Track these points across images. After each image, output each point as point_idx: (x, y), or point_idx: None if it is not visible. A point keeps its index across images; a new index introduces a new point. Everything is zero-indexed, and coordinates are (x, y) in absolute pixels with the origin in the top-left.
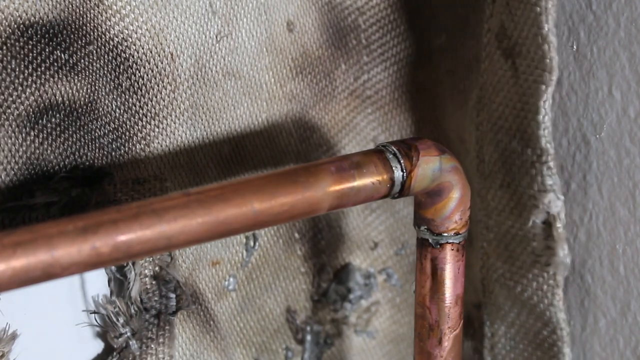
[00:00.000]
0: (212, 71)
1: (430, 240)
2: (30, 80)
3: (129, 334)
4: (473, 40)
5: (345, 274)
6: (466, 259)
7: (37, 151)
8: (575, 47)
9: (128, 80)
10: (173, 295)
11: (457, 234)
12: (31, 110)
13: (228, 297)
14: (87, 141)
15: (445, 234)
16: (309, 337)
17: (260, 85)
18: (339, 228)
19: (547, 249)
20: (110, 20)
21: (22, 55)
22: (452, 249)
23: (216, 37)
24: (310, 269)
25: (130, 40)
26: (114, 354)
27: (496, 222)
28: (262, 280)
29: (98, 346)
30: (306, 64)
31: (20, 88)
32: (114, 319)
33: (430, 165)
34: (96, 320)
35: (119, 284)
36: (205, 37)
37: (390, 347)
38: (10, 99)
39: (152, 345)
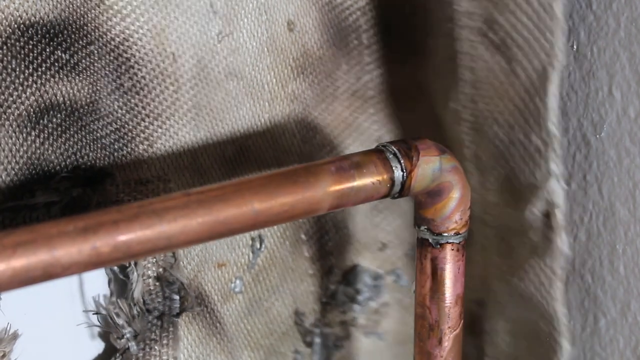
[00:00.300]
0: (214, 71)
1: (430, 240)
2: (31, 80)
3: (131, 335)
4: (446, 39)
5: (354, 276)
6: (468, 257)
7: (38, 151)
8: (575, 47)
9: (130, 80)
10: (177, 297)
11: (457, 233)
12: (32, 110)
13: (234, 299)
14: (88, 141)
15: (446, 234)
16: (318, 340)
17: (262, 85)
18: (346, 229)
19: (545, 240)
20: (111, 20)
21: (22, 55)
22: (452, 249)
23: (217, 37)
24: (318, 271)
25: (132, 41)
26: (117, 355)
27: (494, 217)
28: (269, 282)
29: (100, 347)
30: (307, 64)
31: (21, 88)
32: (117, 320)
33: (431, 165)
34: (99, 321)
35: (122, 285)
36: (207, 37)
37: (399, 349)
38: (11, 99)
39: (156, 347)
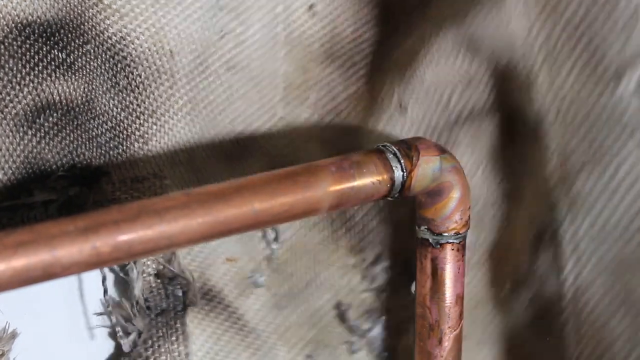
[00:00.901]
0: (213, 65)
1: (430, 240)
2: (27, 79)
3: (135, 334)
4: None
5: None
6: (532, 163)
7: (35, 150)
8: None
9: (125, 79)
10: (180, 293)
11: (457, 234)
12: (28, 109)
13: (254, 293)
14: (84, 140)
15: (446, 234)
16: (377, 328)
17: (276, 76)
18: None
19: None
20: (108, 20)
21: (19, 55)
22: (453, 249)
23: (220, 33)
24: (363, 261)
25: (129, 40)
26: (124, 354)
27: (575, 101)
28: (299, 275)
29: (100, 347)
30: (337, 48)
31: (17, 87)
32: (118, 319)
33: (431, 165)
34: (100, 321)
35: (122, 283)
36: (209, 33)
37: (475, 313)
38: (8, 98)
39: (165, 345)
